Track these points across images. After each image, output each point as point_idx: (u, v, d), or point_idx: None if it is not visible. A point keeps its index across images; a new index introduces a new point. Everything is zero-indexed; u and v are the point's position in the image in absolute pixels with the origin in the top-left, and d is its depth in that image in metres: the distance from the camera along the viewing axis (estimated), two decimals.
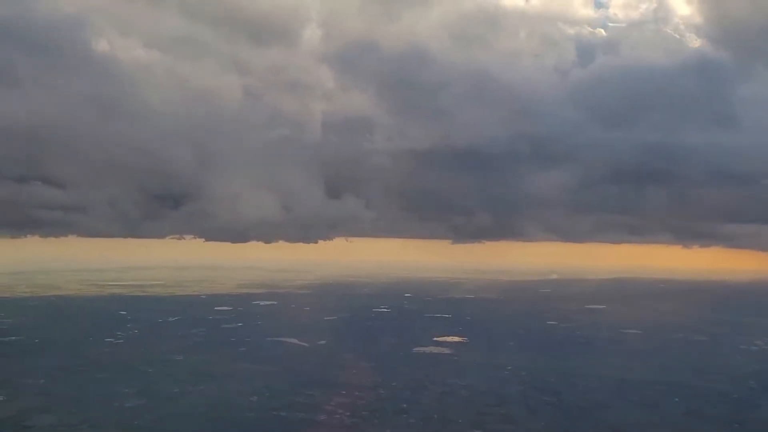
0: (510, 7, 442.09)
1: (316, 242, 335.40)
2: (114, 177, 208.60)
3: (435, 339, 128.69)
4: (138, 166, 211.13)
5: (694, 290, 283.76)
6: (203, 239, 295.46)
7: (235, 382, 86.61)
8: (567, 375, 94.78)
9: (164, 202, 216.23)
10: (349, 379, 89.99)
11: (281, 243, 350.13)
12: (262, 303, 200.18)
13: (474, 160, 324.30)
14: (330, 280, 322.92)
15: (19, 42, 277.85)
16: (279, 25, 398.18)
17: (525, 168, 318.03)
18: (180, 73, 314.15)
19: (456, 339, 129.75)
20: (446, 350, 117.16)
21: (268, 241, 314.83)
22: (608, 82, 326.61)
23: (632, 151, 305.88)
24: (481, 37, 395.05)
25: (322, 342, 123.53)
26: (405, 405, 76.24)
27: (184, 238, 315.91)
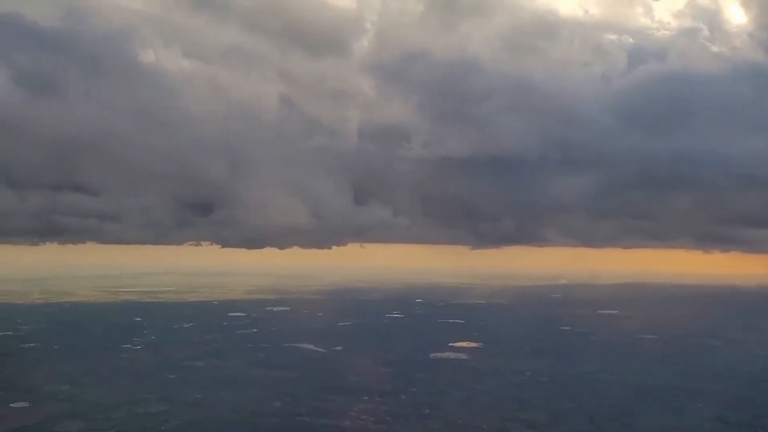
0: (568, 17, 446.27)
1: (330, 248, 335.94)
2: (147, 185, 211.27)
3: (451, 344, 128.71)
4: (172, 174, 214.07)
5: (705, 295, 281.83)
6: (220, 246, 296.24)
7: (257, 388, 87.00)
8: (587, 381, 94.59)
9: (195, 210, 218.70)
10: (370, 384, 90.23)
11: (296, 249, 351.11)
12: (275, 309, 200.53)
13: (505, 167, 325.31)
14: (340, 286, 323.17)
15: (70, 54, 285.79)
16: (333, 37, 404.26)
17: (553, 174, 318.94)
18: (222, 83, 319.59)
19: (472, 344, 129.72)
20: (463, 356, 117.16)
21: (282, 248, 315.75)
22: (652, 89, 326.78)
23: (663, 157, 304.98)
24: (534, 47, 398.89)
25: (339, 348, 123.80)
26: (428, 411, 76.38)
27: (201, 245, 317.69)
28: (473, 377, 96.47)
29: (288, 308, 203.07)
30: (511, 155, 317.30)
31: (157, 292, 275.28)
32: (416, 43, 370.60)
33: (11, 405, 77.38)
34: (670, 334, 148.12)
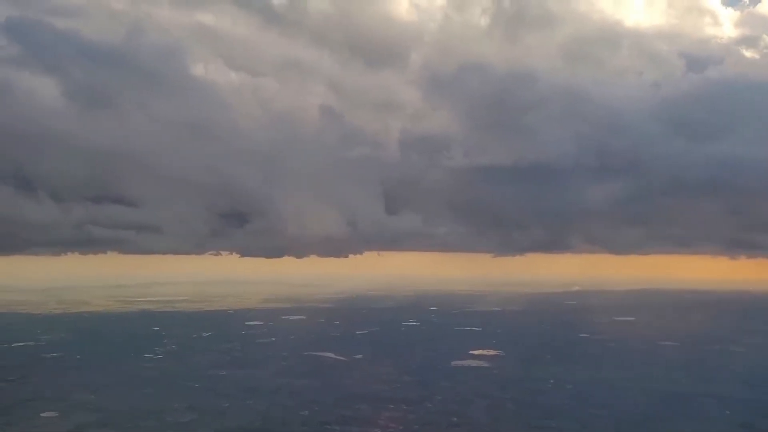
0: (632, 27, 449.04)
1: (347, 257, 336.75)
2: (185, 196, 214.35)
3: (470, 352, 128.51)
4: (209, 185, 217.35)
5: (724, 301, 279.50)
6: (239, 255, 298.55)
7: (282, 397, 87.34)
8: (611, 388, 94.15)
9: (228, 220, 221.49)
10: (394, 393, 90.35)
11: (313, 258, 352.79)
12: (291, 317, 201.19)
13: (540, 175, 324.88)
14: (352, 295, 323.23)
15: (123, 69, 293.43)
16: (392, 49, 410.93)
17: (586, 181, 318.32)
18: (268, 95, 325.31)
19: (492, 352, 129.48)
20: (484, 363, 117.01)
21: (300, 257, 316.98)
22: (704, 96, 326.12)
23: (700, 163, 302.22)
24: (594, 57, 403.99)
25: (359, 356, 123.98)
26: (455, 419, 76.37)
27: (221, 254, 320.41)
28: (496, 385, 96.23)
29: (304, 317, 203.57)
30: (548, 163, 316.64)
31: (172, 301, 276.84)
32: (474, 56, 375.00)
33: (41, 414, 78.22)
34: (690, 341, 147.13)
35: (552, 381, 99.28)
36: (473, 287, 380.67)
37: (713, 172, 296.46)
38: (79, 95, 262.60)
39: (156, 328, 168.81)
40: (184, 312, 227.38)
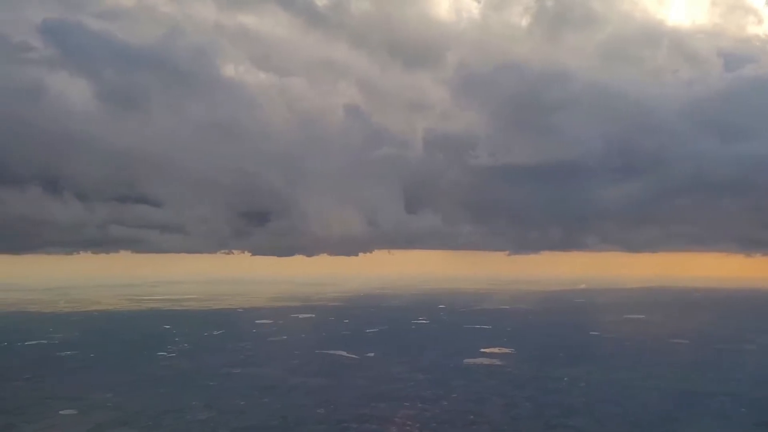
0: (674, 26, 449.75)
1: (357, 255, 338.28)
2: (208, 196, 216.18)
3: (482, 350, 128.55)
4: (232, 184, 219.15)
5: (732, 299, 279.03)
6: (251, 253, 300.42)
7: (298, 395, 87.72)
8: (626, 386, 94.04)
9: (250, 219, 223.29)
10: (409, 391, 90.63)
11: (323, 256, 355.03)
12: (300, 316, 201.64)
13: (563, 174, 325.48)
14: (360, 293, 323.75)
15: (155, 70, 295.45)
16: (429, 50, 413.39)
17: (607, 180, 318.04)
18: (295, 95, 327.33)
19: (503, 350, 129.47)
20: (497, 362, 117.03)
21: (310, 255, 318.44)
22: (739, 95, 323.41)
23: (724, 161, 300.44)
24: (632, 57, 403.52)
25: (371, 354, 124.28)
26: (472, 417, 76.54)
27: (233, 253, 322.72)
28: (511, 384, 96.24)
29: (313, 315, 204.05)
30: (572, 162, 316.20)
31: (180, 300, 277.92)
32: (511, 55, 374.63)
33: (60, 412, 78.85)
34: (702, 339, 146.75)
35: (566, 379, 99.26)
36: (481, 285, 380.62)
37: (737, 170, 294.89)
38: (111, 97, 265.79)
39: (167, 327, 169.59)
40: (193, 311, 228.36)
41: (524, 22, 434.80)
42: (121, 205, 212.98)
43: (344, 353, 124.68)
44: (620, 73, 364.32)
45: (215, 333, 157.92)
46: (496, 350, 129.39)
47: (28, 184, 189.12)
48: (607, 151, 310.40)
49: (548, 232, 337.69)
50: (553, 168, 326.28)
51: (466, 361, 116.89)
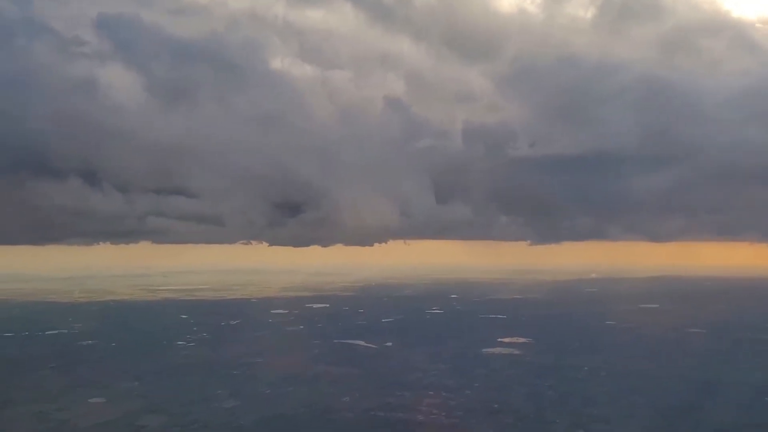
0: (738, 17, 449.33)
1: (372, 245, 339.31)
2: (245, 187, 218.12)
3: (500, 340, 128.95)
4: (269, 176, 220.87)
5: (742, 288, 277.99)
6: (268, 244, 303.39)
7: (322, 384, 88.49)
8: (648, 376, 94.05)
9: (284, 211, 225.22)
10: (431, 380, 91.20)
11: (339, 246, 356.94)
12: (314, 306, 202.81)
13: (601, 164, 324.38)
14: (371, 283, 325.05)
15: (207, 64, 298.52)
16: (489, 42, 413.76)
17: (640, 170, 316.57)
18: (340, 88, 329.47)
19: (521, 340, 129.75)
20: (515, 351, 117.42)
21: (326, 245, 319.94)
22: None
23: (763, 151, 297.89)
24: (694, 48, 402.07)
25: (389, 344, 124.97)
26: (496, 406, 76.93)
27: (251, 244, 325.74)
28: (532, 373, 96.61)
29: (327, 305, 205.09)
30: (610, 153, 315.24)
31: (193, 290, 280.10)
32: (570, 48, 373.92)
33: (89, 401, 79.97)
34: (719, 328, 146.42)
35: (586, 369, 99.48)
36: (491, 276, 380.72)
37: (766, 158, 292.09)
38: (160, 90, 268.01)
39: (184, 317, 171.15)
40: (207, 301, 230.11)
41: (589, 14, 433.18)
42: (158, 197, 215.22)
43: (362, 343, 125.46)
44: (676, 64, 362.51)
45: (232, 323, 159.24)
46: (513, 340, 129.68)
47: (69, 175, 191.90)
48: (645, 140, 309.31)
49: (573, 222, 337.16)
50: (590, 158, 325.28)
51: (485, 350, 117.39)
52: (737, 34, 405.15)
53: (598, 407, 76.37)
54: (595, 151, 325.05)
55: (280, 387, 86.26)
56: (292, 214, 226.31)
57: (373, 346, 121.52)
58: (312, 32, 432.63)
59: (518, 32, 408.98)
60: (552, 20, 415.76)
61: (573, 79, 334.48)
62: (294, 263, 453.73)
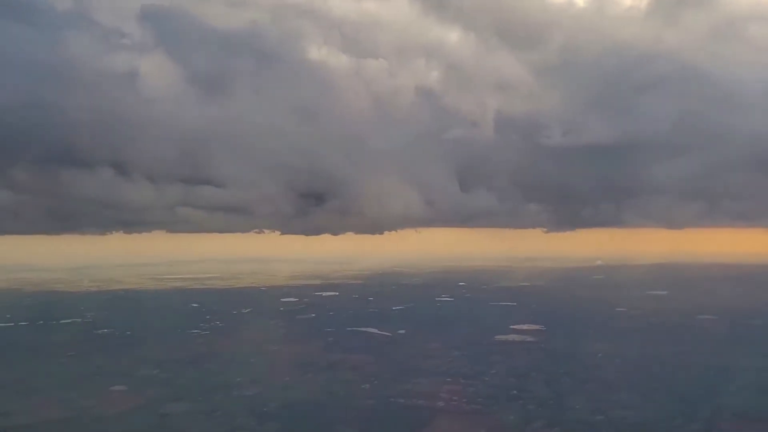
0: None
1: (382, 233, 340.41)
2: (273, 177, 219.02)
3: (512, 327, 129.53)
4: (298, 165, 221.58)
5: (748, 274, 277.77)
6: (280, 233, 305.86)
7: (341, 371, 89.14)
8: (663, 362, 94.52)
9: (308, 200, 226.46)
10: (447, 367, 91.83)
11: (349, 235, 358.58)
12: (324, 294, 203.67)
13: (631, 153, 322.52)
14: (378, 271, 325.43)
15: (246, 53, 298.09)
16: (538, 32, 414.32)
17: (668, 157, 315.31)
18: (373, 77, 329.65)
19: (533, 327, 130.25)
20: (528, 338, 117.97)
21: (336, 234, 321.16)
22: None
23: None
24: (744, 36, 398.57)
25: (402, 331, 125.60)
26: (515, 392, 77.56)
27: (264, 232, 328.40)
28: (547, 359, 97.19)
29: (337, 293, 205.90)
30: (641, 141, 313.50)
31: (201, 279, 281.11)
32: (618, 37, 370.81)
33: (111, 388, 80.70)
34: (729, 315, 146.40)
35: (600, 355, 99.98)
36: (497, 263, 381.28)
37: None
38: (200, 81, 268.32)
39: (195, 305, 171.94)
40: (216, 289, 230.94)
41: (643, 3, 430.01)
42: (186, 187, 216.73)
43: (375, 330, 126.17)
44: (722, 52, 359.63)
45: (243, 311, 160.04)
46: (525, 327, 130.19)
47: (100, 166, 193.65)
48: (677, 129, 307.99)
49: (592, 209, 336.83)
50: (621, 147, 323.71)
51: (498, 337, 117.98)
52: None
53: (617, 393, 76.85)
54: (627, 140, 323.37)
55: (299, 374, 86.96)
56: (316, 204, 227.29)
57: (387, 334, 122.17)
58: (355, 22, 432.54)
59: (568, 21, 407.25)
60: (604, 10, 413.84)
61: (615, 68, 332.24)
62: (301, 252, 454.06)
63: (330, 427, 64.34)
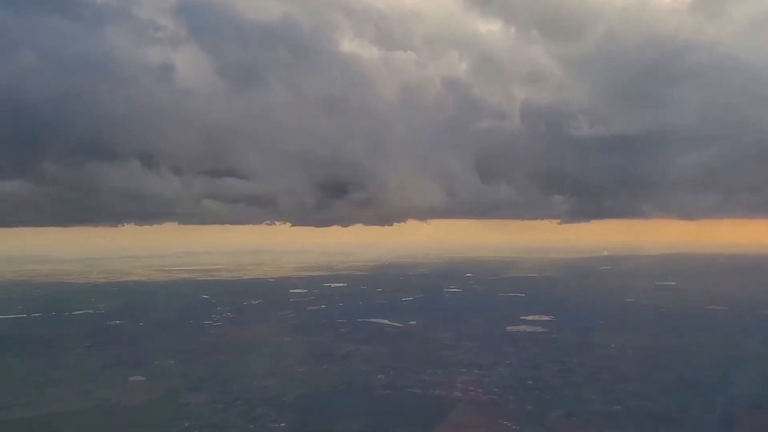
0: None
1: (391, 225, 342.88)
2: (297, 169, 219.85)
3: (523, 318, 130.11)
4: (322, 157, 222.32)
5: (756, 264, 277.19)
6: (290, 224, 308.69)
7: (354, 362, 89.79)
8: (675, 352, 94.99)
9: (331, 192, 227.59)
10: (461, 358, 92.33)
11: (359, 226, 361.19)
12: (332, 285, 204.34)
13: (653, 143, 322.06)
14: (383, 262, 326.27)
15: (279, 45, 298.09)
16: (579, 25, 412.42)
17: (691, 149, 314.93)
18: (401, 69, 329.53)
19: (543, 318, 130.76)
20: (539, 329, 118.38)
21: (346, 225, 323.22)
22: None
23: None
24: None
25: (413, 322, 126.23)
26: (531, 382, 78.12)
27: (275, 224, 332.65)
28: (559, 350, 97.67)
29: (345, 284, 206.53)
30: (668, 132, 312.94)
31: (209, 270, 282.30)
32: (659, 29, 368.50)
33: (129, 379, 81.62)
34: (738, 305, 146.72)
35: (613, 346, 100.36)
36: (502, 254, 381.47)
37: None
38: (231, 73, 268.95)
39: (205, 297, 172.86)
40: (225, 281, 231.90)
41: None
42: (209, 179, 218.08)
43: (386, 321, 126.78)
44: (763, 43, 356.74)
45: (254, 302, 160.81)
46: (536, 318, 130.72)
47: (128, 158, 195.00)
48: (705, 120, 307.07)
49: (610, 200, 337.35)
50: (648, 138, 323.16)
51: (509, 328, 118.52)
52: None
53: (630, 383, 77.30)
54: (654, 131, 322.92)
55: (314, 365, 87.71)
56: (338, 195, 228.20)
57: (398, 325, 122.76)
58: (392, 16, 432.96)
59: (610, 14, 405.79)
60: (648, 2, 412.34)
61: (652, 60, 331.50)
62: (308, 243, 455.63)
63: (349, 417, 64.95)
